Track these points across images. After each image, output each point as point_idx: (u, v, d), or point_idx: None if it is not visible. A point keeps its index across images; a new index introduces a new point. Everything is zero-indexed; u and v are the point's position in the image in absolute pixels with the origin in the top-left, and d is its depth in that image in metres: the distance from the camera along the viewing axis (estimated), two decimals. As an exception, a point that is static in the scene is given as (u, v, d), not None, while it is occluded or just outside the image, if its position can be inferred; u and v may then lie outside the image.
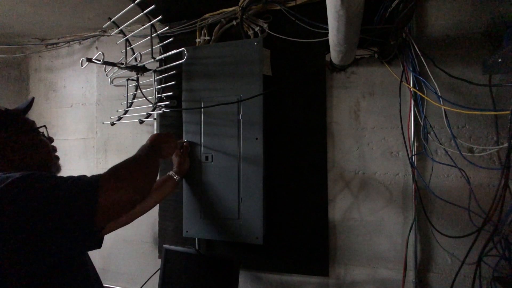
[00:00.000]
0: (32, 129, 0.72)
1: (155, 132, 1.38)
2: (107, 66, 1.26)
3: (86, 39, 1.57)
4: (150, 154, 0.81)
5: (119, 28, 1.20)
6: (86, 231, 0.56)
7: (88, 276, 0.68)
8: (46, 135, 0.77)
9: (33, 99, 0.77)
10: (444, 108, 0.99)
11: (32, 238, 0.51)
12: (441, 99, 0.99)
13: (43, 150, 0.73)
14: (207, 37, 1.25)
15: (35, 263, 0.53)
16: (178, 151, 1.15)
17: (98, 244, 0.89)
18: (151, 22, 1.13)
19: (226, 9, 1.21)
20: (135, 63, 1.22)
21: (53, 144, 0.78)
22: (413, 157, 1.05)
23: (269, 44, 1.17)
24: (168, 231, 1.34)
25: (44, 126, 0.77)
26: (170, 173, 1.11)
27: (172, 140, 0.97)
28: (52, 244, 0.53)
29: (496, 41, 0.99)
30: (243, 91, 1.10)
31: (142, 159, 0.74)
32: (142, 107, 1.29)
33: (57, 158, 0.79)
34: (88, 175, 0.61)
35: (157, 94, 1.27)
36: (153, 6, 1.05)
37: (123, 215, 0.62)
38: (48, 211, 0.51)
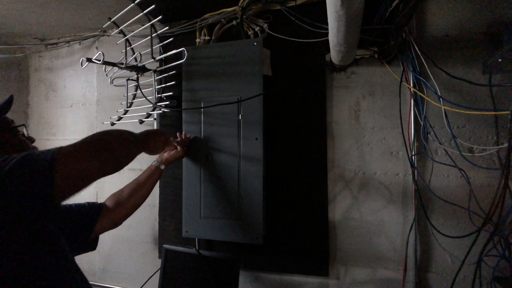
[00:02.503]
0: (10, 128, 0.69)
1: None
2: (107, 66, 1.26)
3: (86, 39, 1.57)
4: (137, 139, 0.79)
5: (119, 28, 1.20)
6: (46, 208, 0.52)
7: (75, 279, 0.66)
8: (25, 134, 0.73)
9: (11, 97, 0.72)
10: (444, 108, 0.99)
11: None
12: (441, 99, 0.98)
13: (20, 151, 0.67)
14: (207, 37, 1.25)
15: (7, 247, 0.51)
16: (172, 142, 1.11)
17: (92, 246, 0.86)
18: (151, 22, 1.13)
19: (226, 9, 1.21)
20: (135, 63, 1.22)
21: (34, 144, 0.75)
22: (413, 157, 1.05)
23: (269, 44, 1.17)
24: (168, 231, 1.34)
25: (23, 125, 0.73)
26: (155, 163, 1.07)
27: (160, 138, 0.95)
28: (13, 229, 0.50)
29: (496, 41, 0.99)
30: (243, 91, 1.10)
31: (120, 137, 0.70)
32: (142, 107, 1.29)
33: None
34: None
35: (157, 94, 1.27)
36: (153, 6, 1.05)
37: (84, 187, 0.58)
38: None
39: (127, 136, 0.74)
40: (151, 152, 0.94)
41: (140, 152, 0.83)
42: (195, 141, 1.18)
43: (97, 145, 0.62)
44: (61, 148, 0.56)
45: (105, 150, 0.62)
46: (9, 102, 0.71)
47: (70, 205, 0.84)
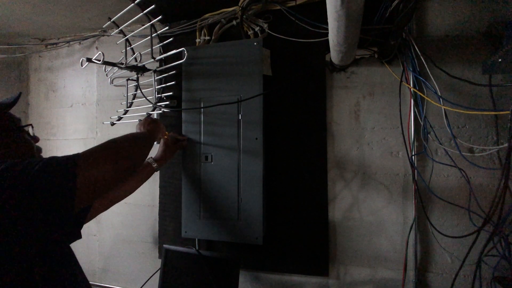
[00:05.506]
0: (16, 127, 0.68)
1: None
2: (107, 66, 1.26)
3: (86, 39, 1.57)
4: (146, 136, 0.82)
5: (119, 28, 1.20)
6: (67, 214, 0.52)
7: (76, 276, 0.66)
8: (31, 134, 0.73)
9: (20, 94, 0.72)
10: (444, 108, 0.99)
11: (10, 232, 0.48)
12: (441, 99, 0.99)
13: (25, 150, 0.68)
14: (207, 37, 1.25)
15: (17, 257, 0.50)
16: (167, 140, 1.13)
17: (78, 234, 0.84)
18: (151, 22, 1.13)
19: (226, 9, 1.21)
20: (135, 63, 1.22)
21: (38, 144, 0.74)
22: (413, 157, 1.05)
23: (269, 44, 1.17)
24: (168, 231, 1.34)
25: (30, 125, 0.73)
26: (149, 159, 1.08)
27: (157, 125, 0.99)
28: (33, 234, 0.50)
29: (496, 41, 0.99)
30: (243, 91, 1.10)
31: (133, 138, 0.72)
32: (142, 107, 1.29)
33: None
34: None
35: (157, 94, 1.27)
36: (153, 6, 1.05)
37: (103, 192, 0.59)
38: (22, 202, 0.48)
39: (137, 136, 0.76)
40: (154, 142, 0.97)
41: (151, 148, 0.85)
42: (195, 141, 1.18)
43: (115, 151, 0.63)
44: (79, 154, 0.57)
45: (122, 156, 0.64)
46: (16, 99, 0.71)
47: None
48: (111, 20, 1.18)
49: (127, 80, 1.30)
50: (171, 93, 1.26)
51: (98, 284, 1.46)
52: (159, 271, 1.21)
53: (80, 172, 0.53)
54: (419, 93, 1.02)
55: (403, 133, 1.05)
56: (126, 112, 1.34)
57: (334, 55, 1.00)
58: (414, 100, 1.05)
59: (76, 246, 0.67)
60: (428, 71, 1.00)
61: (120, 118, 1.35)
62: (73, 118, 1.60)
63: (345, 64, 1.10)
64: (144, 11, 1.07)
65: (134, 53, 1.25)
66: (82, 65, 1.07)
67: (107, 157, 0.60)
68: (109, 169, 0.58)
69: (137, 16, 1.09)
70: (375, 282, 1.10)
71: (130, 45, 1.26)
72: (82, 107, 1.59)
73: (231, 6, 1.18)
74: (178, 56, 1.12)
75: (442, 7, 1.05)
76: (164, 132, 1.08)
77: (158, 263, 1.31)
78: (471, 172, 1.00)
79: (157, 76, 1.26)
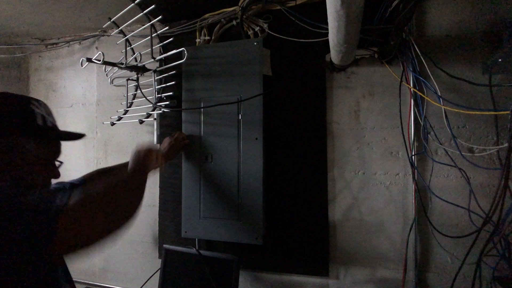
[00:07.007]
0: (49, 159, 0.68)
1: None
2: (107, 66, 1.26)
3: (86, 39, 1.57)
4: (135, 175, 0.76)
5: (119, 28, 1.20)
6: (42, 261, 0.49)
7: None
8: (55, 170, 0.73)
9: (81, 136, 0.73)
10: (444, 108, 0.99)
11: None
12: (441, 99, 0.99)
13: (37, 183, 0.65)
14: (207, 37, 1.25)
15: None
16: (171, 140, 1.11)
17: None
18: (151, 22, 1.13)
19: (226, 9, 1.21)
20: (135, 63, 1.22)
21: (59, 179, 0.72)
22: (413, 157, 1.05)
23: (269, 44, 1.17)
24: (168, 231, 1.34)
25: (62, 162, 0.74)
26: None
27: (152, 156, 0.84)
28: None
29: (496, 41, 0.99)
30: (243, 91, 1.10)
31: (124, 186, 0.67)
32: (142, 107, 1.29)
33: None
34: None
35: (157, 94, 1.27)
36: (153, 6, 1.05)
37: (92, 247, 0.53)
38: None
39: (129, 181, 0.71)
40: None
41: (145, 186, 0.80)
42: (195, 141, 1.18)
43: (104, 208, 0.56)
44: (62, 209, 0.51)
45: (113, 214, 0.58)
46: (76, 136, 0.73)
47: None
48: (111, 20, 1.18)
49: (127, 80, 1.31)
50: (171, 93, 1.27)
51: (98, 284, 1.46)
52: (159, 271, 1.21)
53: (59, 230, 0.48)
54: (419, 93, 1.02)
55: (403, 133, 1.05)
56: (126, 112, 1.34)
57: (334, 55, 1.00)
58: (414, 100, 1.05)
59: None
60: (428, 71, 1.00)
61: (120, 118, 1.35)
62: (73, 118, 1.60)
63: (345, 64, 1.10)
64: (144, 11, 1.07)
65: (134, 53, 1.25)
66: (82, 65, 1.07)
67: (94, 218, 0.53)
68: (96, 229, 0.53)
69: (137, 16, 1.10)
70: (375, 282, 1.10)
71: (130, 45, 1.26)
72: (82, 107, 1.59)
73: (231, 6, 1.18)
74: (178, 56, 1.12)
75: (442, 7, 1.05)
76: (161, 162, 0.94)
77: (158, 263, 1.30)
78: (471, 172, 1.00)
79: (157, 76, 1.26)
